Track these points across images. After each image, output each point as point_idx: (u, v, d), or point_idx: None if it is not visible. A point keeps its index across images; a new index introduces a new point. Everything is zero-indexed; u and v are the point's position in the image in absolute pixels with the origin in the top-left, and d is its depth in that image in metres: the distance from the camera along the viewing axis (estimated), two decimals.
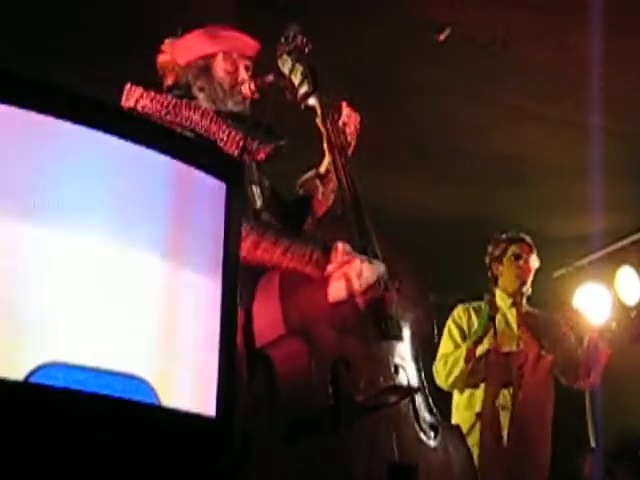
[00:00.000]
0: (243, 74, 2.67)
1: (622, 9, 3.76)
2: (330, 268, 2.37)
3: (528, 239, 4.35)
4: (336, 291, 2.37)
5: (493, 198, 5.56)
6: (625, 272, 5.53)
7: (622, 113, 4.57)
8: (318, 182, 2.81)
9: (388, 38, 3.95)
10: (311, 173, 2.85)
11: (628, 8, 3.77)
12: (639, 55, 4.08)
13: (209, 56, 2.65)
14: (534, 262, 4.27)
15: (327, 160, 2.77)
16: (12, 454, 1.43)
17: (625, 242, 5.79)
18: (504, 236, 4.37)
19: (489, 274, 4.36)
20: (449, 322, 4.27)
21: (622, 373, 4.26)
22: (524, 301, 4.25)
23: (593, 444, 5.99)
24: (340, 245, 2.39)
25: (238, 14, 3.37)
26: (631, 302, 5.43)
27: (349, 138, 2.80)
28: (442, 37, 3.83)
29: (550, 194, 5.46)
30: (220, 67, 2.65)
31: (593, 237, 5.79)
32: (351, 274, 2.35)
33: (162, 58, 2.70)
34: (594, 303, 5.12)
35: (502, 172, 5.21)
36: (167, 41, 2.69)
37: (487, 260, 4.37)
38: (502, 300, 4.24)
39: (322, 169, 2.83)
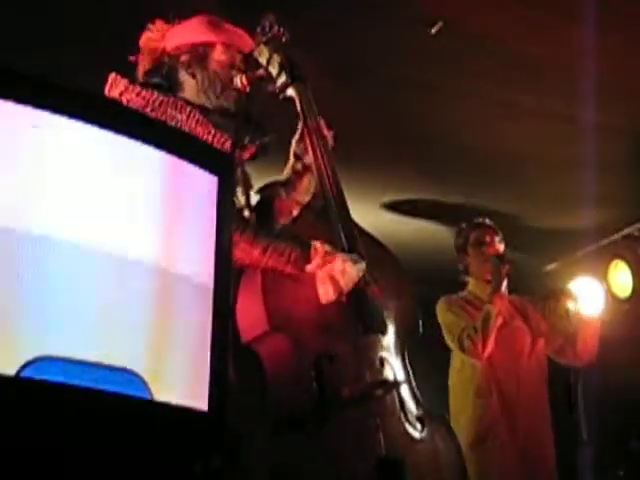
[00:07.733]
0: (237, 69, 2.63)
1: (614, 3, 3.76)
2: (310, 267, 2.38)
3: (488, 222, 4.20)
4: (325, 293, 2.38)
5: (486, 192, 5.57)
6: (617, 266, 5.54)
7: (615, 108, 4.58)
8: (283, 191, 2.73)
9: (382, 33, 3.96)
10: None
11: (620, 2, 3.78)
12: (631, 49, 4.09)
13: (208, 44, 2.62)
14: (499, 245, 4.12)
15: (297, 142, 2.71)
16: (3, 449, 1.43)
17: (617, 236, 5.80)
18: (464, 225, 4.25)
19: (460, 266, 4.20)
20: (440, 307, 4.09)
21: (613, 366, 4.25)
22: (504, 288, 3.99)
23: (585, 436, 6.00)
24: (318, 245, 2.40)
25: (224, 8, 3.34)
26: (623, 295, 5.44)
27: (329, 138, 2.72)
28: (433, 31, 3.84)
29: (542, 188, 5.47)
30: (218, 58, 2.62)
31: (585, 231, 5.80)
32: (336, 274, 2.36)
33: (148, 36, 2.63)
34: (586, 296, 5.12)
35: (495, 166, 5.22)
36: (158, 22, 2.64)
37: (456, 253, 4.22)
38: (480, 290, 4.08)
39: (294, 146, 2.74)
